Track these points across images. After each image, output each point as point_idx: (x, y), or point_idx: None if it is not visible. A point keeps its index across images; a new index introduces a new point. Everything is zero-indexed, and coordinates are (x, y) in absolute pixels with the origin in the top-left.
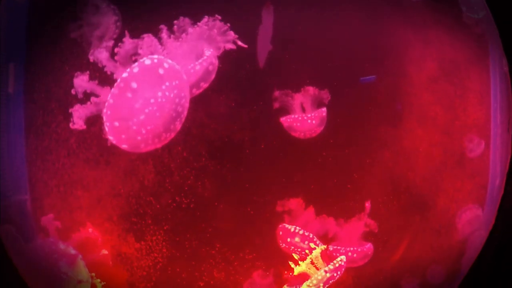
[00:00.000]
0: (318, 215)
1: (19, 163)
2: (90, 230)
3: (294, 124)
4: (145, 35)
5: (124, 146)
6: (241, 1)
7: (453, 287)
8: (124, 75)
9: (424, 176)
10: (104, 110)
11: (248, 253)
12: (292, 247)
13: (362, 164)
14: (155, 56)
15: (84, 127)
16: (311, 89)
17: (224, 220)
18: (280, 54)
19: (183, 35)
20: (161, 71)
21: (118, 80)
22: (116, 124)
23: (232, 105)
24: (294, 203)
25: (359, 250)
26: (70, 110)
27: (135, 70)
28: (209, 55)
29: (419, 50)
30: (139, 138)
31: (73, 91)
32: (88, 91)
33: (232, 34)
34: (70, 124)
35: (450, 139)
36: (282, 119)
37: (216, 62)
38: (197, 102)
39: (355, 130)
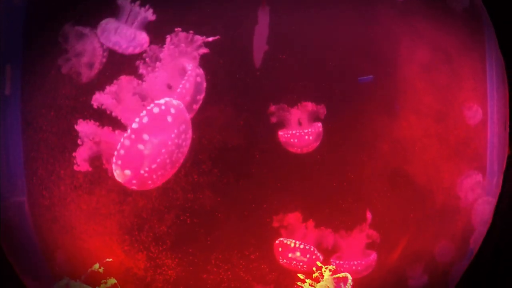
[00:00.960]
0: (318, 227)
1: (16, 164)
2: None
3: (292, 140)
4: (121, 77)
5: (133, 187)
6: (238, 1)
7: (463, 265)
8: (134, 125)
9: (423, 166)
10: (114, 159)
11: (246, 270)
12: (294, 262)
13: (360, 169)
14: (162, 102)
15: (90, 169)
16: (309, 105)
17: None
18: (277, 67)
19: (157, 63)
20: (169, 118)
21: (129, 131)
22: (127, 172)
23: (229, 119)
24: (292, 218)
25: (363, 262)
26: (73, 154)
27: (145, 120)
28: (191, 69)
29: (410, 40)
30: (149, 182)
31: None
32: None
33: (199, 39)
34: (75, 167)
35: (445, 130)
36: (280, 134)
37: (200, 70)
38: (197, 118)
39: (352, 141)
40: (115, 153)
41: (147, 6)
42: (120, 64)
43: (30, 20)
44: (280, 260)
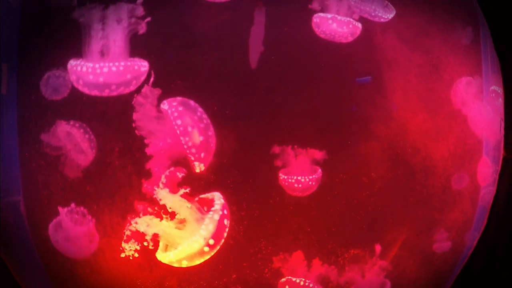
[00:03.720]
0: (323, 264)
1: (11, 164)
2: None
3: (296, 185)
4: None
5: None
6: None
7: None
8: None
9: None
10: None
11: None
12: None
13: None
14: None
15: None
16: (313, 151)
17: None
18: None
19: None
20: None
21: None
22: None
23: (231, 158)
24: (295, 257)
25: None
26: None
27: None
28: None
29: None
30: None
31: None
32: None
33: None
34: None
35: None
36: (282, 178)
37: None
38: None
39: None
40: None
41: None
42: None
43: (26, 19)
44: None
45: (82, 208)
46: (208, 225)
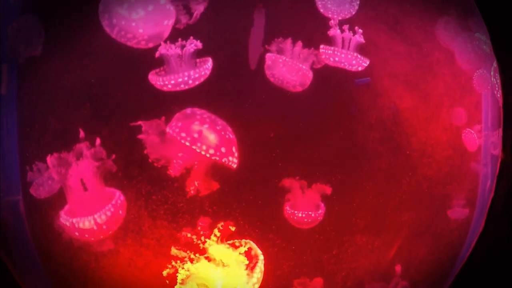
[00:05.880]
0: None
1: (11, 163)
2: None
3: (305, 220)
4: None
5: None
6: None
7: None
8: None
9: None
10: None
11: None
12: None
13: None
14: None
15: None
16: (326, 188)
17: None
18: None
19: None
20: None
21: None
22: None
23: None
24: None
25: None
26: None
27: None
28: None
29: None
30: None
31: None
32: None
33: None
34: None
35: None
36: (292, 211)
37: None
38: None
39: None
40: None
41: None
42: None
43: (26, 19)
44: None
45: None
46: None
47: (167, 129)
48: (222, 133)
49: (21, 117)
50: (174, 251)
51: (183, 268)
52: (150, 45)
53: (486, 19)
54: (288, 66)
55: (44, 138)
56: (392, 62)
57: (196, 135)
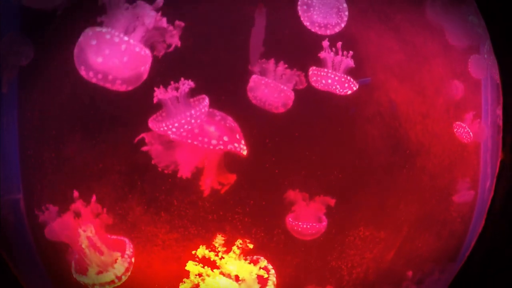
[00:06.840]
0: None
1: (12, 162)
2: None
3: (309, 231)
4: None
5: None
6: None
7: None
8: None
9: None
10: None
11: None
12: None
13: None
14: None
15: None
16: (331, 201)
17: None
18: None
19: None
20: None
21: None
22: None
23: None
24: None
25: None
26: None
27: None
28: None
29: None
30: None
31: None
32: None
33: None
34: None
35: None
36: (296, 223)
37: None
38: None
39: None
40: None
41: None
42: None
43: (28, 18)
44: None
45: None
46: None
47: (168, 133)
48: (222, 122)
49: (22, 116)
50: (190, 265)
51: (199, 282)
52: (130, 88)
53: (486, 19)
54: (271, 88)
55: (44, 137)
56: (387, 56)
57: (196, 131)
